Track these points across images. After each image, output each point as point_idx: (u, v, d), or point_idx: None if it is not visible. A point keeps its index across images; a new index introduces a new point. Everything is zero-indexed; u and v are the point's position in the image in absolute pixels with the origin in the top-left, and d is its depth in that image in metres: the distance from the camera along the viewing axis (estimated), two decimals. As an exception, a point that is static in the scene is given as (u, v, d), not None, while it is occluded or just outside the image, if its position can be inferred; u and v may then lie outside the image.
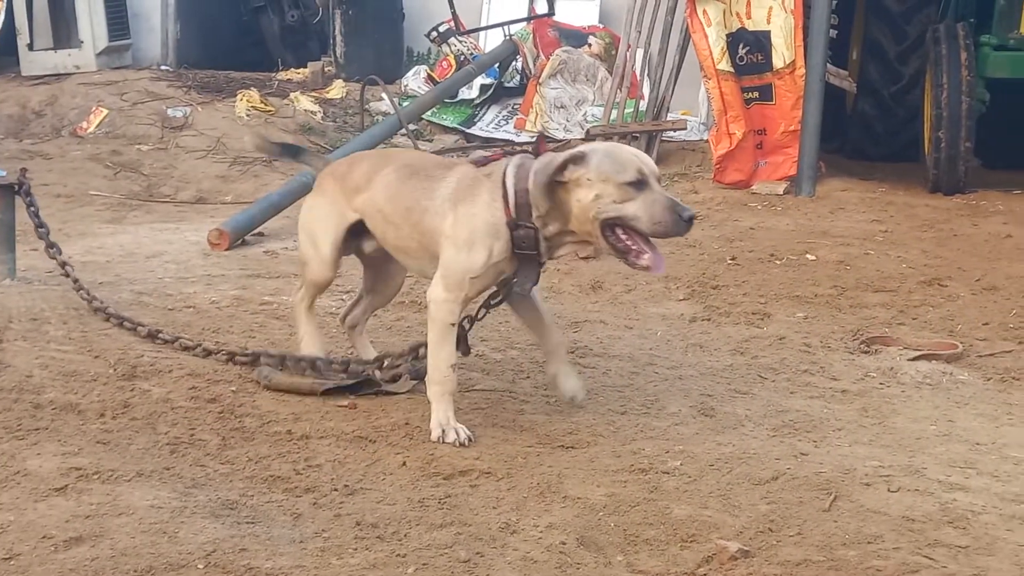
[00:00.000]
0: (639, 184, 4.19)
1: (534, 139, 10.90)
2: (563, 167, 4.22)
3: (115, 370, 4.87)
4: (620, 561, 3.45)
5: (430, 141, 11.23)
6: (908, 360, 5.44)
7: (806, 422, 4.60)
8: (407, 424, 4.44)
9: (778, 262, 7.23)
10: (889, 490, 3.96)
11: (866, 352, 5.59)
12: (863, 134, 11.39)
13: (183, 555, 3.35)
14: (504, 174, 4.36)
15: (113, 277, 6.31)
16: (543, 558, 3.44)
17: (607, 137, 10.02)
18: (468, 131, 11.47)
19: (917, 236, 8.05)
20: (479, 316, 4.60)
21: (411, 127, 10.53)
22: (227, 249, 7.26)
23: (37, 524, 3.50)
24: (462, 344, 4.55)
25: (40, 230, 6.08)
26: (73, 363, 4.93)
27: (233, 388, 4.76)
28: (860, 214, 8.70)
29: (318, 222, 4.84)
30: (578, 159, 4.22)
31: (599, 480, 3.99)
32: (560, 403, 4.69)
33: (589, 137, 10.25)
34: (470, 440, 4.29)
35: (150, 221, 8.32)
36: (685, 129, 10.82)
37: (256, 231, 7.68)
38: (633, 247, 4.23)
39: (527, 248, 4.33)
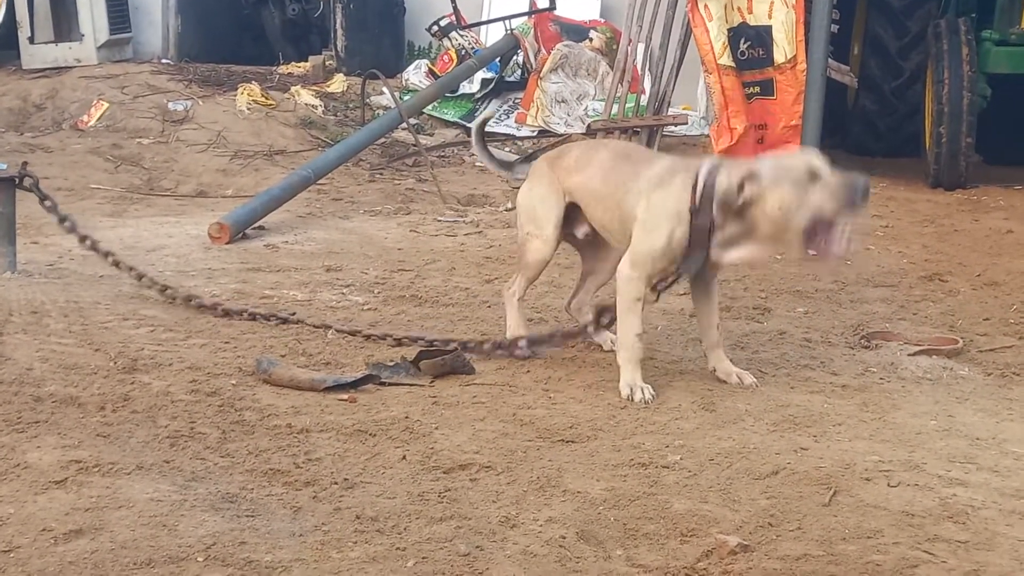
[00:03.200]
0: (812, 178, 4.48)
1: (535, 133, 10.97)
2: (740, 187, 4.56)
3: (115, 363, 4.88)
4: (620, 555, 3.45)
5: (431, 135, 11.23)
6: (908, 355, 5.44)
7: (806, 417, 4.59)
8: (407, 418, 4.44)
9: (778, 256, 7.23)
10: (889, 485, 3.96)
11: (866, 347, 5.59)
12: (864, 129, 11.40)
13: (183, 548, 3.35)
14: (700, 167, 4.72)
15: (114, 271, 6.31)
16: (543, 552, 3.44)
17: (608, 132, 10.02)
18: (469, 125, 11.46)
19: (918, 231, 8.06)
20: (647, 300, 4.90)
21: (412, 121, 10.53)
22: (228, 243, 7.26)
23: (37, 517, 3.50)
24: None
25: (64, 223, 6.16)
26: (73, 356, 4.94)
27: (233, 382, 4.76)
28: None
29: (539, 203, 5.23)
30: (750, 178, 4.56)
31: (599, 474, 3.99)
32: (563, 398, 4.70)
33: (590, 132, 10.25)
34: (652, 399, 4.71)
35: (151, 215, 8.32)
36: (686, 124, 10.82)
37: (257, 225, 7.68)
38: (829, 236, 4.49)
39: (700, 237, 4.68)
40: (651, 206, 4.78)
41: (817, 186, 4.47)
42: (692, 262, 4.77)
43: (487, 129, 11.26)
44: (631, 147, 5.44)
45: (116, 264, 6.09)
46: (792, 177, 4.51)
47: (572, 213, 5.26)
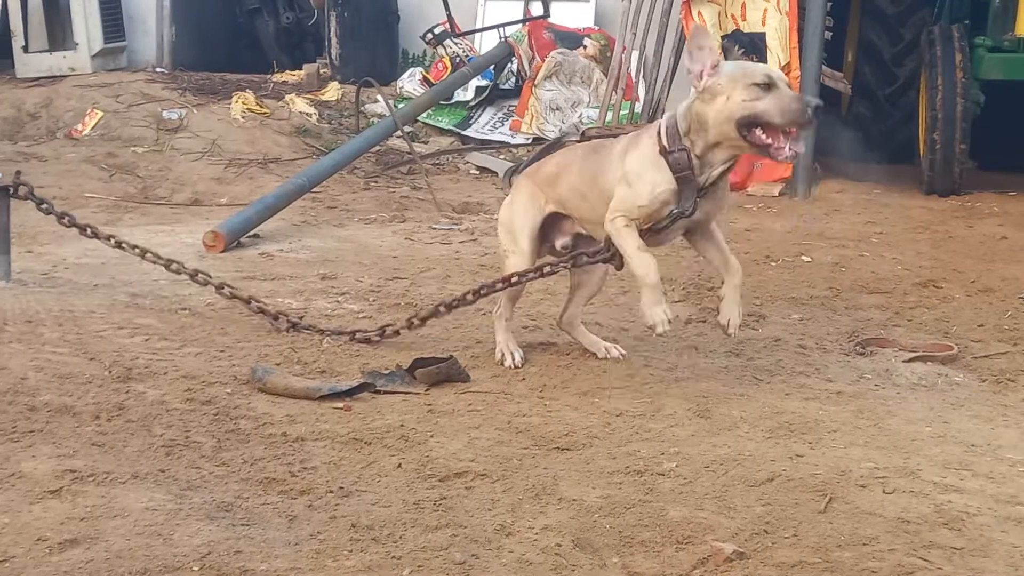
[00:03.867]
0: (767, 86, 4.67)
1: (529, 141, 10.97)
2: (700, 76, 4.74)
3: (110, 372, 4.87)
4: (615, 563, 3.45)
5: (425, 143, 11.24)
6: (903, 362, 5.44)
7: (802, 424, 4.60)
8: (402, 426, 4.43)
9: (774, 264, 7.24)
10: (884, 492, 3.96)
11: (861, 354, 5.59)
12: (858, 136, 11.41)
13: (178, 557, 3.34)
14: (660, 121, 4.93)
15: (108, 279, 6.31)
16: (538, 560, 3.44)
17: (602, 138, 10.01)
18: (463, 133, 11.48)
19: (912, 238, 8.07)
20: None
21: (407, 129, 10.53)
22: (222, 251, 7.26)
23: (32, 526, 3.49)
24: (616, 259, 5.11)
25: (63, 220, 6.15)
26: (68, 365, 4.93)
27: (228, 390, 4.75)
28: (855, 216, 8.72)
29: (516, 217, 5.30)
30: (714, 69, 4.74)
31: (594, 482, 3.99)
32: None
33: (584, 139, 10.25)
34: (674, 319, 4.93)
35: (145, 223, 8.32)
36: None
37: (251, 233, 7.68)
38: (771, 142, 4.68)
39: (682, 170, 4.79)
40: (626, 166, 4.92)
41: (770, 93, 4.65)
42: (685, 198, 4.84)
43: (482, 137, 11.29)
44: (600, 141, 5.54)
45: (119, 245, 6.06)
46: (748, 78, 4.71)
47: (554, 225, 5.27)
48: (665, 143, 4.81)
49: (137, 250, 6.05)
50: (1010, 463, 4.28)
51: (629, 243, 4.90)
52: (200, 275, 5.82)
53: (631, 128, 10.17)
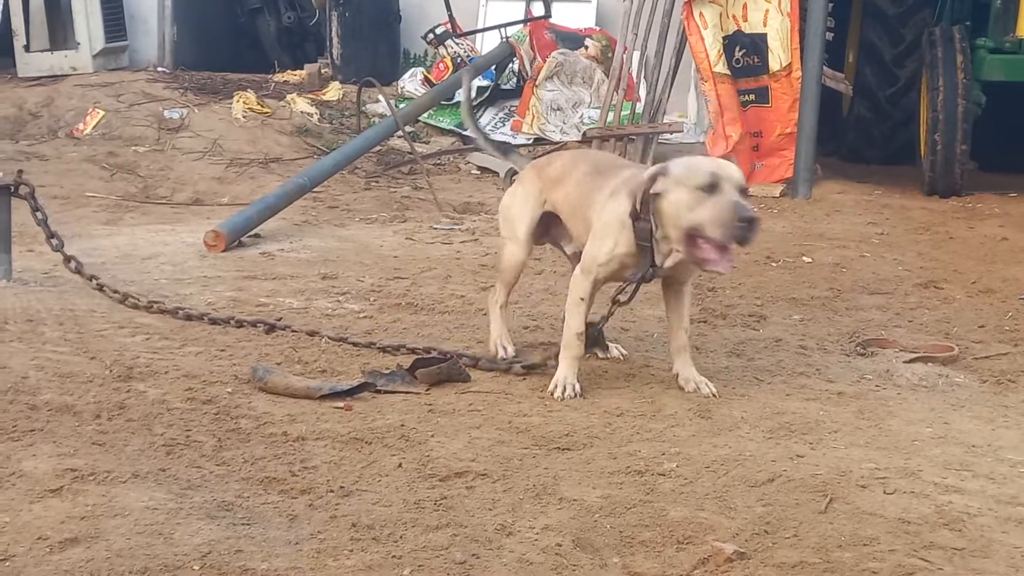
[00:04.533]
0: (710, 188, 4.52)
1: (530, 141, 10.97)
2: (652, 179, 4.64)
3: (111, 371, 4.87)
4: (616, 563, 3.45)
5: (427, 143, 11.24)
6: (904, 362, 5.45)
7: (802, 424, 4.60)
8: (403, 426, 4.43)
9: (774, 264, 7.24)
10: (885, 492, 3.96)
11: (862, 354, 5.59)
12: (859, 137, 11.42)
13: (179, 556, 3.34)
14: (649, 175, 4.73)
15: (109, 279, 6.30)
16: (539, 560, 3.44)
17: (603, 139, 10.03)
18: (464, 133, 11.47)
19: (913, 239, 8.07)
20: (610, 313, 5.12)
21: (408, 129, 10.53)
22: (223, 251, 7.26)
23: (32, 525, 3.49)
24: (600, 343, 5.27)
25: (52, 240, 6.12)
26: (69, 364, 4.93)
27: (229, 390, 4.75)
28: (856, 216, 8.72)
29: (515, 206, 5.31)
30: (663, 171, 4.66)
31: (595, 482, 3.99)
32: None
33: (585, 139, 10.26)
34: (577, 396, 4.80)
35: (146, 223, 8.32)
36: (681, 132, 10.83)
37: (252, 233, 7.68)
38: (707, 256, 4.56)
39: (645, 240, 4.71)
40: (601, 216, 4.86)
41: (710, 200, 4.50)
42: (642, 267, 4.81)
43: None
44: (608, 160, 5.51)
45: (100, 288, 6.00)
46: (692, 182, 4.56)
47: (557, 226, 5.29)
48: (638, 207, 4.68)
49: (95, 281, 6.02)
50: (1011, 464, 4.28)
51: (574, 321, 4.89)
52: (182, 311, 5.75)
53: (632, 128, 10.19)
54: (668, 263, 4.76)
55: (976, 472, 4.19)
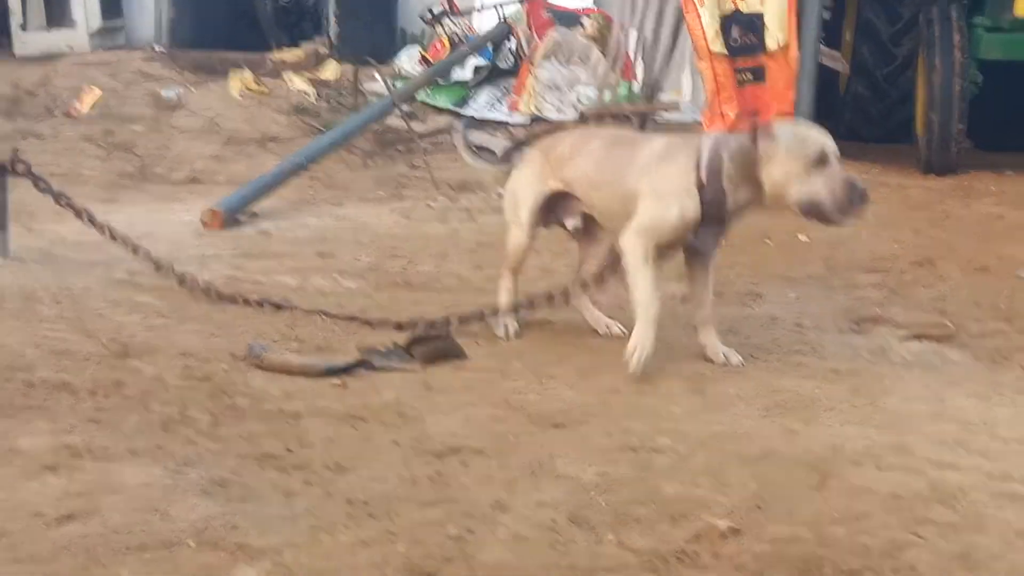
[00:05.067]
0: (822, 162, 4.62)
1: (527, 120, 10.96)
2: (754, 139, 4.67)
3: (107, 349, 4.88)
4: (610, 539, 3.46)
5: (423, 122, 11.22)
6: (899, 340, 5.45)
7: (797, 401, 4.61)
8: (398, 403, 4.44)
9: (770, 243, 7.25)
10: (878, 468, 3.97)
11: (857, 332, 5.60)
12: (856, 115, 11.40)
13: (174, 532, 3.35)
14: (701, 142, 4.83)
15: (106, 257, 6.31)
16: (534, 536, 3.45)
17: (600, 118, 10.02)
18: (461, 112, 11.46)
19: (909, 217, 8.07)
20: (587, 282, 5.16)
21: (404, 108, 10.52)
22: (220, 229, 7.26)
23: (29, 502, 3.50)
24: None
25: (61, 200, 6.17)
26: (66, 342, 4.94)
27: (225, 367, 4.76)
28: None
29: (520, 190, 5.35)
30: (766, 135, 4.67)
31: (590, 459, 4.00)
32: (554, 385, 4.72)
33: (582, 118, 10.25)
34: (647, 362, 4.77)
35: (143, 201, 8.32)
36: (678, 110, 10.82)
37: (249, 211, 7.68)
38: (819, 218, 4.70)
39: (713, 211, 4.77)
40: (658, 180, 4.86)
41: (823, 172, 4.62)
42: (706, 235, 4.88)
43: (480, 117, 11.28)
44: (621, 132, 5.54)
45: (113, 237, 6.08)
46: (804, 152, 4.64)
47: (563, 203, 5.31)
48: (704, 178, 4.76)
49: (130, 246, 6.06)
50: (1005, 440, 4.30)
51: (644, 281, 4.84)
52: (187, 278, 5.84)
53: (629, 107, 10.18)
54: (735, 220, 4.89)
55: (970, 448, 4.20)
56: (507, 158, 5.97)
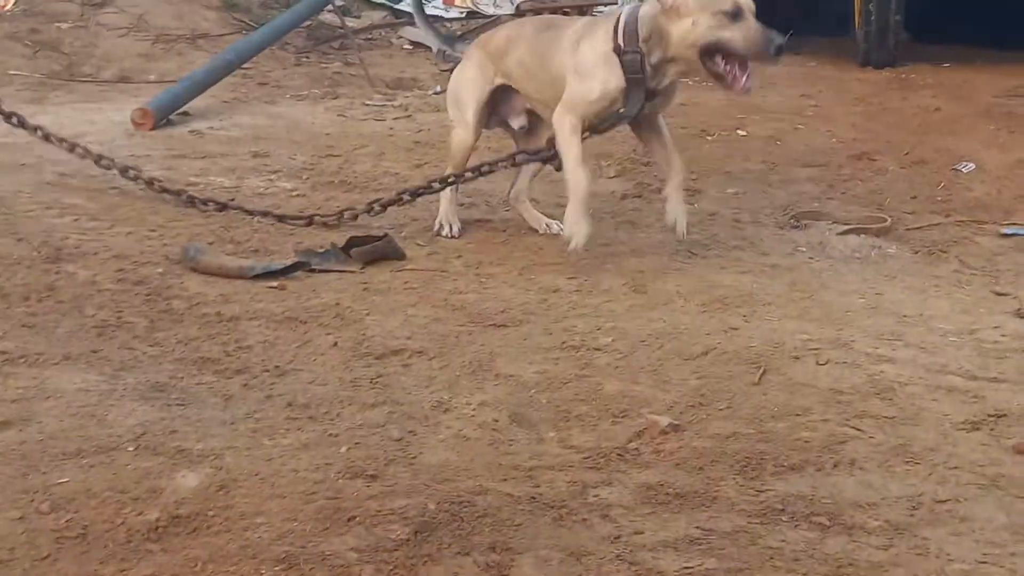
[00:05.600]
0: (735, 14, 4.65)
1: (463, 16, 10.82)
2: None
3: (39, 253, 4.78)
4: (552, 437, 3.47)
5: (357, 18, 11.04)
6: (837, 234, 5.48)
7: (736, 297, 4.62)
8: (338, 305, 4.41)
9: (709, 138, 7.23)
10: (817, 363, 4.00)
11: (796, 227, 5.62)
12: (794, 7, 11.33)
13: (112, 438, 3.32)
14: (619, 14, 4.89)
15: (35, 159, 6.18)
16: (476, 435, 3.45)
17: (537, 12, 9.90)
18: (396, 7, 11.28)
19: (847, 110, 8.07)
20: (583, 138, 4.97)
21: (338, 3, 10.34)
22: (151, 129, 7.13)
23: (-37, 410, 3.46)
24: (556, 160, 5.09)
25: None
26: (-5, 247, 4.85)
27: (160, 270, 4.69)
28: (790, 89, 8.69)
29: (463, 87, 5.30)
30: None
31: (531, 358, 4.00)
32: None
33: (519, 13, 10.13)
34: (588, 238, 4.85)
35: (72, 101, 8.14)
36: (616, 4, 10.70)
37: (181, 111, 7.54)
38: (728, 71, 4.69)
39: (635, 73, 4.79)
40: (579, 55, 4.89)
41: (737, 23, 4.65)
42: (633, 102, 4.87)
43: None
44: (553, 18, 5.57)
45: (46, 138, 5.94)
46: (717, 4, 4.66)
47: (507, 101, 5.26)
48: (621, 42, 4.78)
49: (65, 144, 5.92)
50: (941, 333, 4.34)
51: (571, 153, 4.89)
52: (131, 171, 5.71)
53: (566, 1, 10.07)
54: (663, 84, 4.86)
55: (907, 342, 4.24)
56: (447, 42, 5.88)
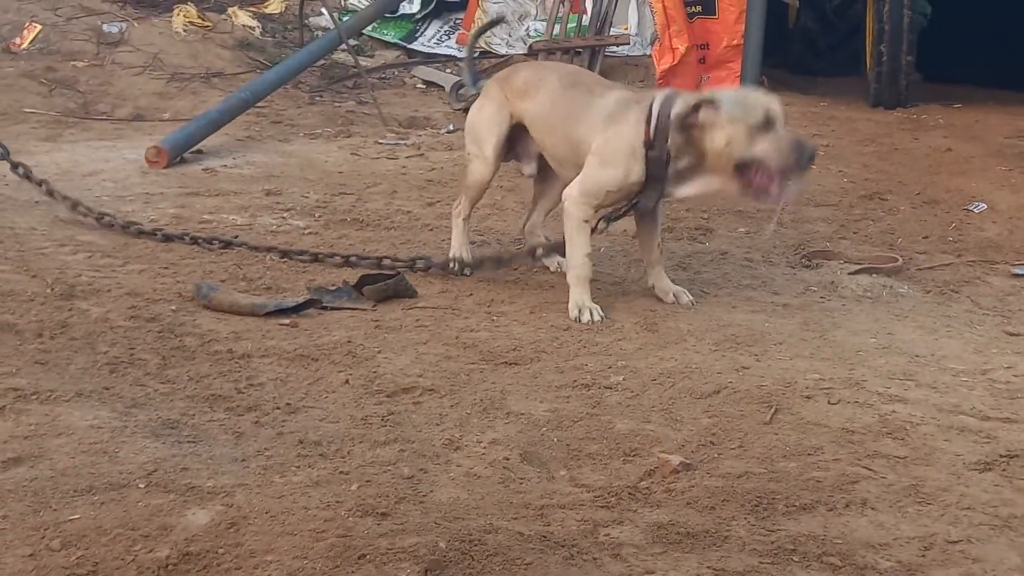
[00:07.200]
0: (767, 126, 4.56)
1: (476, 55, 10.87)
2: (696, 109, 4.62)
3: (53, 290, 4.80)
4: (563, 475, 3.46)
5: (371, 57, 11.11)
6: (849, 274, 5.48)
7: (748, 336, 4.62)
8: (349, 342, 4.42)
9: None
10: (829, 402, 3.99)
11: (807, 266, 5.62)
12: (805, 48, 11.39)
13: (124, 475, 3.32)
14: (653, 100, 4.77)
15: (48, 196, 6.21)
16: (486, 473, 3.44)
17: (549, 52, 9.95)
18: (409, 47, 11.35)
19: (858, 150, 8.08)
20: (598, 228, 4.94)
21: (352, 42, 10.40)
22: (165, 167, 7.16)
23: (-25, 446, 3.46)
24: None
25: None
26: (10, 283, 4.86)
27: (173, 307, 4.71)
28: (802, 128, 8.70)
29: (483, 124, 5.26)
30: (709, 103, 4.62)
31: (542, 396, 4.00)
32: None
33: (531, 52, 10.17)
34: (602, 320, 4.74)
35: (87, 139, 8.19)
36: (628, 44, 10.76)
37: (195, 149, 7.58)
38: (763, 184, 4.58)
39: (657, 171, 4.72)
40: (607, 140, 4.81)
41: (769, 135, 4.56)
42: (649, 196, 4.84)
43: (429, 50, 11.17)
44: (579, 73, 5.45)
45: (50, 193, 5.97)
46: (748, 117, 4.57)
47: (522, 142, 5.26)
48: (652, 136, 4.72)
49: (68, 202, 5.91)
50: (953, 373, 4.33)
51: (579, 242, 4.86)
52: (133, 226, 5.70)
53: (578, 41, 10.11)
54: (684, 194, 4.82)
55: (919, 381, 4.23)
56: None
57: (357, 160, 7.70)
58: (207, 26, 10.92)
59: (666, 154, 4.71)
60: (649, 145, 4.72)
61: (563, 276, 5.26)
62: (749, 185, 4.62)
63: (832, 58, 11.29)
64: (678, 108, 4.68)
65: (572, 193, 4.87)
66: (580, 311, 4.77)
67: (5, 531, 3.00)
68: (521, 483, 3.40)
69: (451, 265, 5.28)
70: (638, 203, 4.87)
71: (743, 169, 4.60)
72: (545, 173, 5.37)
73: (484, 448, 3.60)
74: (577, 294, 4.83)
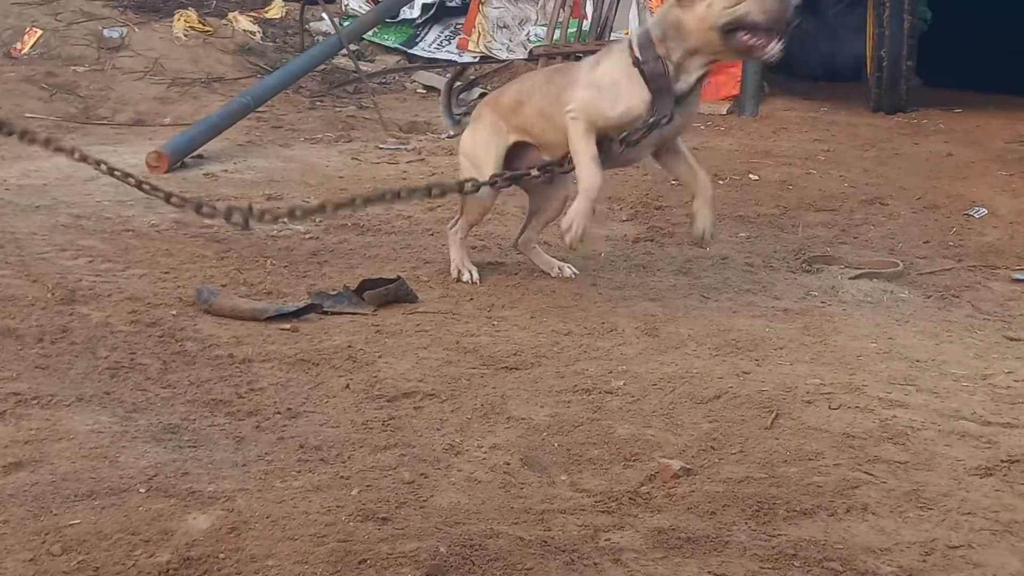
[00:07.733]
0: None
1: (476, 60, 10.88)
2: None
3: (53, 294, 4.81)
4: (564, 480, 3.46)
5: (371, 62, 11.12)
6: (849, 278, 5.48)
7: (748, 341, 4.62)
8: (350, 347, 4.42)
9: (721, 182, 7.24)
10: (830, 407, 3.99)
11: (808, 271, 5.62)
12: (805, 53, 11.38)
13: (124, 479, 3.32)
14: (629, 37, 4.88)
15: (50, 200, 6.22)
16: (487, 478, 3.45)
17: (550, 57, 9.95)
18: (410, 51, 11.36)
19: (859, 155, 8.09)
20: (619, 150, 4.92)
21: (352, 47, 10.41)
22: (166, 172, 7.17)
23: (-25, 450, 3.46)
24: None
25: (26, 137, 5.90)
26: (10, 288, 4.86)
27: (174, 312, 4.71)
28: (803, 133, 8.72)
29: (480, 148, 5.21)
30: None
31: (543, 400, 4.00)
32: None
33: (532, 57, 10.18)
34: (584, 237, 4.83)
35: (87, 143, 8.16)
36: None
37: (195, 153, 7.59)
38: (756, 42, 4.68)
39: (659, 79, 4.76)
40: (596, 74, 4.87)
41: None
42: (662, 108, 4.79)
43: (429, 55, 11.18)
44: (560, 64, 5.53)
45: (83, 159, 5.84)
46: None
47: (519, 156, 5.21)
48: (638, 54, 4.76)
49: (103, 166, 5.85)
50: (954, 378, 4.33)
51: (585, 150, 4.82)
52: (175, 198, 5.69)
53: (579, 46, 10.11)
54: (690, 82, 4.81)
55: (920, 386, 4.23)
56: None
57: (358, 165, 7.70)
58: (208, 31, 10.93)
59: (660, 59, 4.75)
60: (639, 63, 4.75)
61: (564, 282, 5.28)
62: (742, 45, 4.69)
63: (833, 63, 11.29)
64: (656, 15, 4.81)
65: (574, 130, 4.84)
66: (577, 220, 4.78)
67: (6, 536, 3.00)
68: (522, 488, 3.41)
69: (456, 275, 5.27)
70: (654, 120, 4.80)
71: (731, 32, 4.66)
72: (540, 189, 5.34)
73: (485, 453, 3.60)
74: (582, 204, 4.80)
